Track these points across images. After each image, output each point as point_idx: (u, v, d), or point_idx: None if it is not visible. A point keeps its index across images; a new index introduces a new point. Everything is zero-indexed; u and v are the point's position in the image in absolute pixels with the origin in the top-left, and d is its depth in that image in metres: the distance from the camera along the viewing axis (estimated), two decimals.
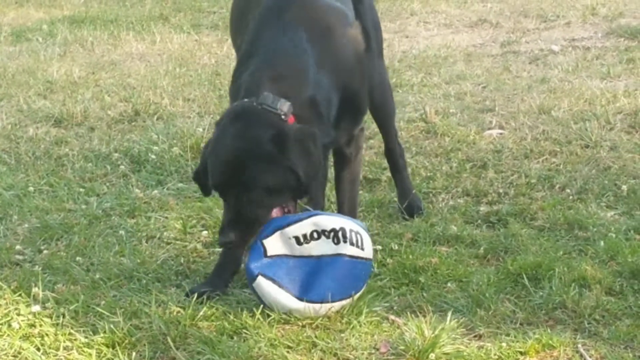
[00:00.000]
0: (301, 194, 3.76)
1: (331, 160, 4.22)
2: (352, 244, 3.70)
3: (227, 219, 3.68)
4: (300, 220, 3.70)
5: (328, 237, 3.68)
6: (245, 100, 3.73)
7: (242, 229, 3.67)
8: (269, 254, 3.66)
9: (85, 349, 3.48)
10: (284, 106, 3.68)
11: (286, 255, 3.67)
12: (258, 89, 3.73)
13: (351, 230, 3.71)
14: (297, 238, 3.67)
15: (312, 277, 3.68)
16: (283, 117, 3.67)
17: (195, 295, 3.75)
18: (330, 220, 3.72)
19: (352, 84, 3.94)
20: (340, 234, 3.68)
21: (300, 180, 3.65)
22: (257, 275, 3.64)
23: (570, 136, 5.65)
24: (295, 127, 3.68)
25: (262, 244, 3.66)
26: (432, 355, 3.37)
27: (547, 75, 7.10)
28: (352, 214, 4.10)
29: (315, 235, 3.68)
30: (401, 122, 5.99)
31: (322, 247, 3.68)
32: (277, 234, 3.67)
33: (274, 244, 3.67)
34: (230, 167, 3.66)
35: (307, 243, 3.67)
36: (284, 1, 3.95)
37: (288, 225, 3.68)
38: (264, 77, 3.77)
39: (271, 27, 3.89)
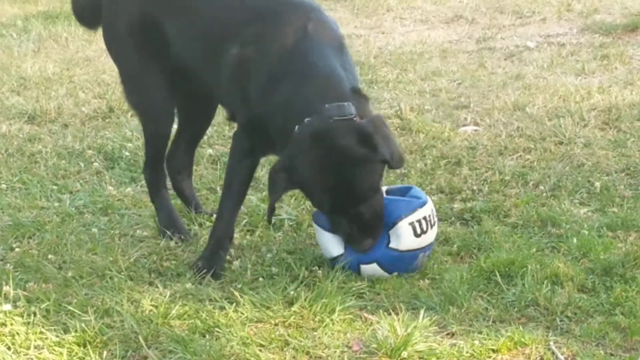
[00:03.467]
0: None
1: None
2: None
3: (356, 229, 3.89)
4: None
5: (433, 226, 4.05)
6: (311, 119, 3.78)
7: (373, 233, 3.92)
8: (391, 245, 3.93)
9: (56, 348, 3.46)
10: (350, 109, 3.79)
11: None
12: (314, 105, 3.80)
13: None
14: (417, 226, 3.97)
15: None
16: (355, 118, 3.79)
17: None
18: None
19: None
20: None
21: (389, 165, 3.84)
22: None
23: (544, 133, 5.67)
24: (367, 122, 3.82)
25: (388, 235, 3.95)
26: (404, 354, 3.38)
27: (522, 72, 7.11)
28: None
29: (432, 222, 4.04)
30: None
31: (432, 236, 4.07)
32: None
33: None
34: (342, 188, 3.79)
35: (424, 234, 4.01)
36: (300, 21, 3.97)
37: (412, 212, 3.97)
38: (312, 93, 3.84)
39: (300, 46, 3.92)
